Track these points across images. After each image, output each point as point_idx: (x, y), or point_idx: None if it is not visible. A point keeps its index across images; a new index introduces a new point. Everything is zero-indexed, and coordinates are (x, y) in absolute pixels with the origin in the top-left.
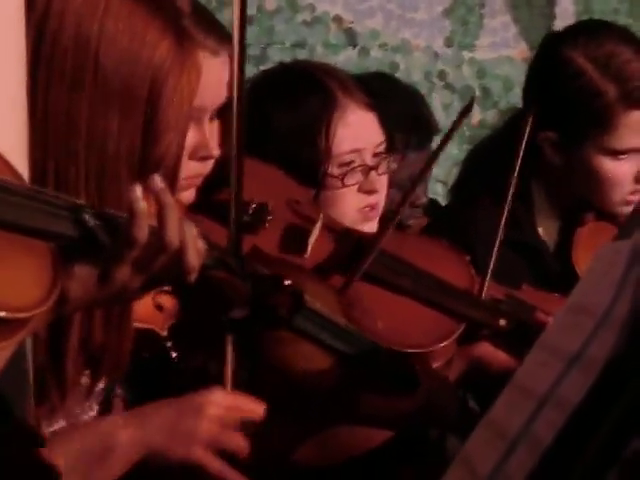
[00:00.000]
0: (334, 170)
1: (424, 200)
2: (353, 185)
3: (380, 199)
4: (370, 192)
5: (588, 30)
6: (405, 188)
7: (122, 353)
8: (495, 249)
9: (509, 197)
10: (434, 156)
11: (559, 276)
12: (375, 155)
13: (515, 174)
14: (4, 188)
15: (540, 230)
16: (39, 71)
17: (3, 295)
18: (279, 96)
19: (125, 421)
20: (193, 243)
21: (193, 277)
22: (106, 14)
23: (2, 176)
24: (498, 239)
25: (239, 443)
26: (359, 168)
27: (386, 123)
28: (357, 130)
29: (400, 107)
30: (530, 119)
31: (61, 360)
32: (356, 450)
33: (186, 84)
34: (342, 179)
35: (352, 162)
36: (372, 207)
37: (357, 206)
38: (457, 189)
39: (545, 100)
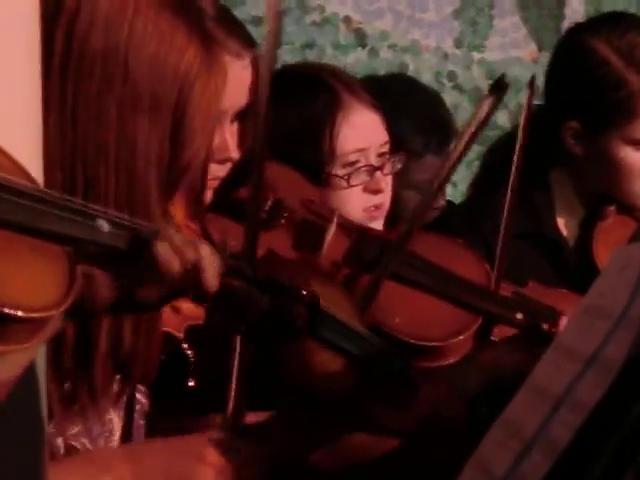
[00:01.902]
0: (339, 170)
1: (442, 203)
2: (358, 185)
3: (385, 199)
4: (375, 192)
5: (611, 21)
6: (424, 190)
7: (151, 358)
8: (500, 244)
9: (509, 190)
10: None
11: (579, 270)
12: (380, 155)
13: (514, 167)
14: (16, 190)
15: (560, 223)
16: (68, 75)
17: (19, 295)
18: (284, 97)
19: (124, 455)
20: (209, 264)
21: (211, 293)
22: (135, 18)
23: (15, 178)
24: (502, 233)
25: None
26: (364, 168)
27: (405, 125)
28: (362, 130)
29: (419, 109)
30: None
31: (90, 366)
32: (368, 456)
33: (213, 88)
34: (347, 179)
35: (357, 162)
36: (377, 207)
37: (362, 206)
38: (475, 186)
39: (568, 90)
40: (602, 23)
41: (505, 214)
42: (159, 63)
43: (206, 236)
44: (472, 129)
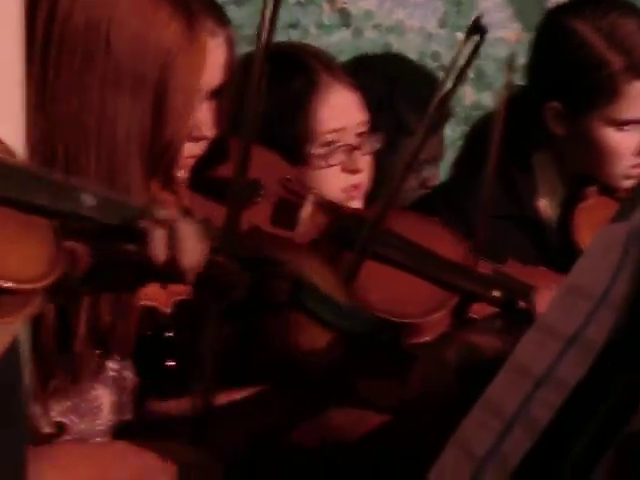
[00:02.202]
0: (317, 150)
1: (436, 182)
2: (337, 165)
3: (364, 179)
4: (354, 172)
5: (592, 2)
6: (418, 170)
7: (129, 332)
8: (480, 222)
9: (488, 172)
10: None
11: (561, 251)
12: (358, 135)
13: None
14: (5, 166)
15: (543, 204)
16: (50, 51)
17: (9, 267)
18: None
19: (88, 454)
20: (188, 248)
21: (190, 278)
22: None
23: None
24: (481, 212)
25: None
26: (342, 148)
27: (401, 104)
28: (340, 110)
29: (414, 89)
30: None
31: (71, 344)
32: (352, 432)
33: (195, 65)
34: (326, 158)
35: (335, 142)
36: (356, 187)
37: (341, 185)
38: (457, 166)
39: (549, 71)
40: (584, 4)
41: (484, 194)
42: (141, 39)
43: (183, 209)
44: (452, 77)
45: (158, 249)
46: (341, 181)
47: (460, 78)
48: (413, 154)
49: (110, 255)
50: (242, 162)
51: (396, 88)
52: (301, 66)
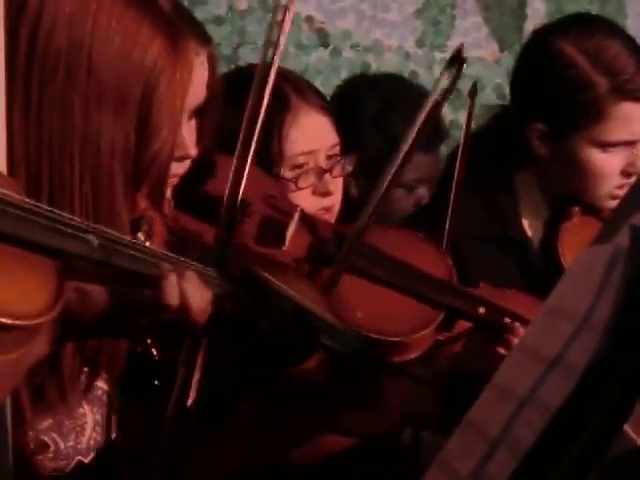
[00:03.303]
0: (287, 172)
1: (425, 201)
2: (307, 188)
3: (335, 201)
4: (324, 194)
5: (578, 22)
6: (411, 190)
7: (118, 351)
8: (444, 243)
9: (452, 194)
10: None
11: (544, 271)
12: (329, 157)
13: (456, 170)
14: (6, 202)
15: (525, 224)
16: (33, 70)
17: (6, 303)
18: (232, 98)
19: None
20: (197, 293)
21: (200, 322)
22: (98, 13)
23: (3, 190)
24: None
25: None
26: (312, 171)
27: (394, 123)
28: (310, 132)
29: (411, 108)
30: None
31: (58, 361)
32: (336, 448)
33: (179, 83)
34: (295, 182)
35: (305, 164)
36: (327, 209)
37: (312, 208)
38: (439, 185)
39: (534, 92)
40: (568, 25)
41: (449, 221)
42: (124, 58)
43: (174, 231)
44: (428, 107)
45: (171, 294)
46: (312, 204)
47: (437, 108)
48: (394, 172)
49: (124, 298)
50: (235, 183)
51: (392, 107)
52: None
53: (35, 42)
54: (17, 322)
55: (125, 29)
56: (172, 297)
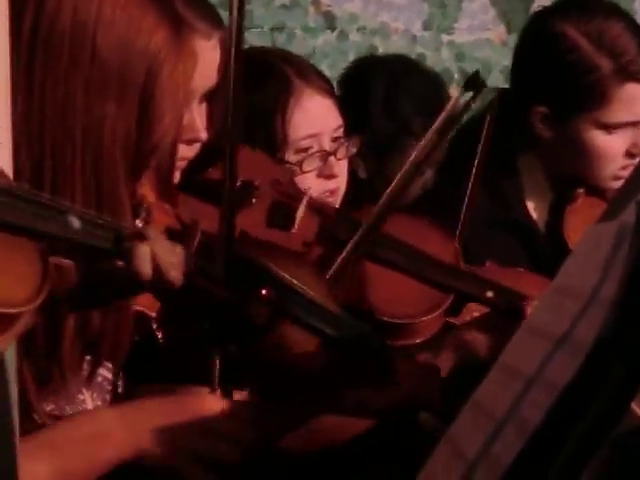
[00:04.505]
0: (292, 156)
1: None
2: (312, 171)
3: (340, 184)
4: (329, 177)
5: (579, 5)
6: (421, 173)
7: (121, 338)
8: (460, 225)
9: (472, 177)
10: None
11: (550, 253)
12: (334, 140)
13: (477, 157)
14: None
15: (530, 207)
16: (36, 54)
17: None
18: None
19: (119, 416)
20: (173, 260)
21: (178, 280)
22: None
23: None
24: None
25: (226, 455)
26: (317, 154)
27: (406, 106)
28: (314, 115)
29: (420, 91)
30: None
31: (59, 348)
32: (339, 437)
33: (182, 72)
34: (300, 165)
35: (310, 148)
36: (332, 192)
37: (317, 192)
38: (445, 169)
39: (536, 75)
40: (570, 7)
41: (466, 201)
42: (127, 44)
43: (177, 216)
44: (441, 124)
45: (144, 266)
46: (317, 187)
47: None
48: (418, 162)
49: (97, 272)
50: (230, 166)
51: (401, 89)
52: (274, 72)
53: (39, 25)
54: (5, 311)
55: (130, 15)
56: (145, 265)
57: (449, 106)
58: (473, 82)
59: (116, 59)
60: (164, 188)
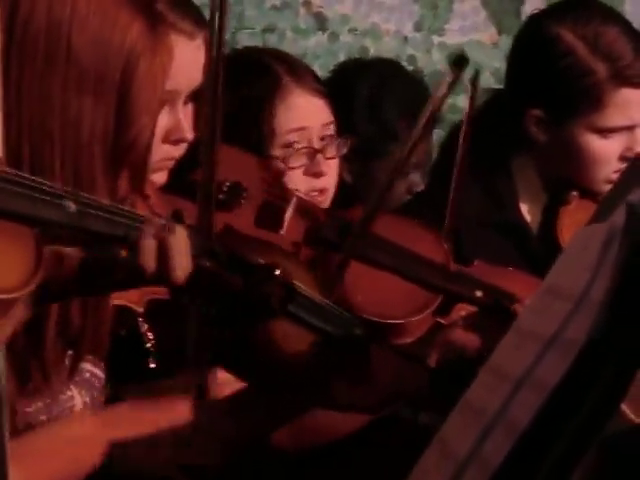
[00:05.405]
0: (277, 151)
1: (422, 187)
2: (298, 168)
3: (329, 183)
4: (316, 175)
5: (574, 8)
6: (405, 176)
7: (101, 333)
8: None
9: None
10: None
11: (543, 256)
12: (323, 138)
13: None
14: None
15: (523, 209)
16: (12, 53)
17: None
18: (229, 81)
19: (100, 422)
20: (178, 260)
21: (179, 285)
22: None
23: None
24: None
25: (203, 459)
26: (304, 150)
27: (390, 109)
28: (301, 111)
29: (404, 94)
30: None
31: (40, 342)
32: (332, 434)
33: (159, 68)
34: (286, 161)
35: (295, 142)
36: (321, 191)
37: (304, 190)
38: (436, 170)
39: (531, 78)
40: (565, 10)
41: (451, 198)
42: (103, 41)
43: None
44: (431, 107)
45: (148, 260)
46: (304, 185)
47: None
48: (401, 161)
49: (99, 260)
50: (208, 164)
51: (385, 92)
52: (263, 69)
53: (14, 25)
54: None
55: (104, 12)
56: (149, 259)
57: (437, 86)
58: (459, 60)
59: (92, 56)
60: (137, 184)
